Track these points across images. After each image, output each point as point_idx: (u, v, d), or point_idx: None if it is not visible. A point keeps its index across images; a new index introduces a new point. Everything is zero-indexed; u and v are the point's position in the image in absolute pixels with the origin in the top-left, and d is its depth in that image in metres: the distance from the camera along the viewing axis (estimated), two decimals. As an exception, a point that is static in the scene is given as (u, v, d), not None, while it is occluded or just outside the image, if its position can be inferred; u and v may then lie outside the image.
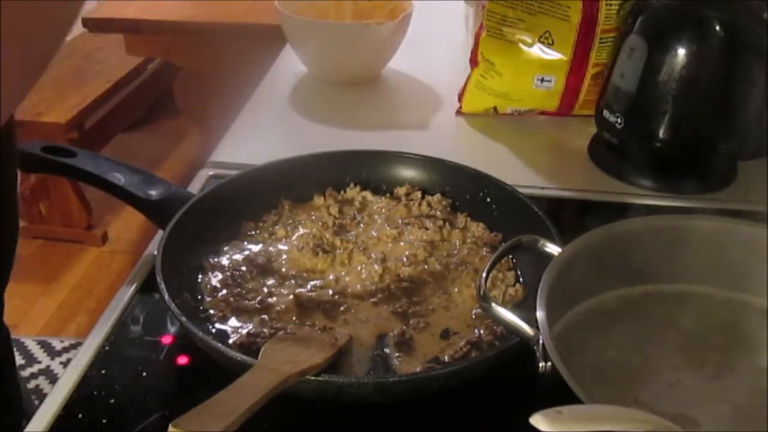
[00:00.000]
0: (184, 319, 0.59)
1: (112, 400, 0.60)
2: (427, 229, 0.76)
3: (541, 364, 0.49)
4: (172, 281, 0.64)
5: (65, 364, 1.98)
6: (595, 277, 0.60)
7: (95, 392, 0.61)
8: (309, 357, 0.57)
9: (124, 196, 0.74)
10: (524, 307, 0.65)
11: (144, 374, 0.62)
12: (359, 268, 0.71)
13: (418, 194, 0.81)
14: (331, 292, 0.68)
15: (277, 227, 0.76)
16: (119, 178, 0.74)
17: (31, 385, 1.92)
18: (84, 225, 2.44)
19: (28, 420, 0.58)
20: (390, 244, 0.75)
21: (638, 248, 0.61)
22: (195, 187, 0.86)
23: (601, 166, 0.93)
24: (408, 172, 0.82)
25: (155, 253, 0.66)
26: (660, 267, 0.61)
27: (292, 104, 1.07)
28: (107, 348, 0.65)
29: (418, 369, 0.61)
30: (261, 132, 1.00)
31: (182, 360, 0.64)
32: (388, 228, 0.76)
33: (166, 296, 0.61)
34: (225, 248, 0.73)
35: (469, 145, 1.00)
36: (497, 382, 0.60)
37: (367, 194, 0.81)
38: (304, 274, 0.70)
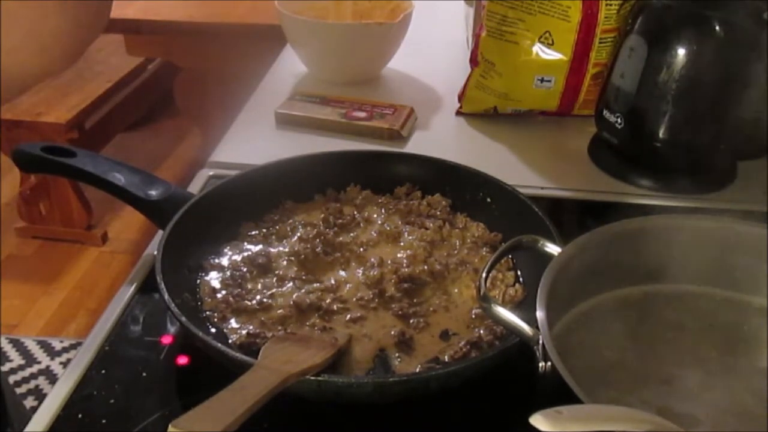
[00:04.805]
0: (184, 319, 0.59)
1: (112, 400, 0.60)
2: (427, 229, 0.76)
3: (541, 364, 0.49)
4: (172, 281, 0.64)
5: (65, 364, 1.98)
6: (595, 277, 0.60)
7: (95, 392, 0.61)
8: (309, 357, 0.57)
9: (124, 196, 0.74)
10: (524, 307, 0.65)
11: (144, 374, 0.62)
12: (359, 270, 0.71)
13: (418, 194, 0.81)
14: (331, 297, 0.68)
15: (277, 227, 0.76)
16: (119, 178, 0.74)
17: (31, 385, 1.92)
18: (84, 225, 2.44)
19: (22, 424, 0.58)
20: (390, 244, 0.75)
21: (638, 248, 0.61)
22: (195, 187, 0.86)
23: (601, 166, 0.93)
24: (408, 172, 0.82)
25: (155, 253, 0.66)
26: (660, 267, 0.61)
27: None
28: (107, 348, 0.65)
29: (417, 369, 0.61)
30: (261, 132, 1.00)
31: (182, 360, 0.64)
32: (388, 228, 0.76)
33: (166, 296, 0.61)
34: (225, 248, 0.73)
35: (469, 145, 1.00)
36: (497, 382, 0.60)
37: (367, 194, 0.81)
38: (304, 276, 0.70)
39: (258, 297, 0.67)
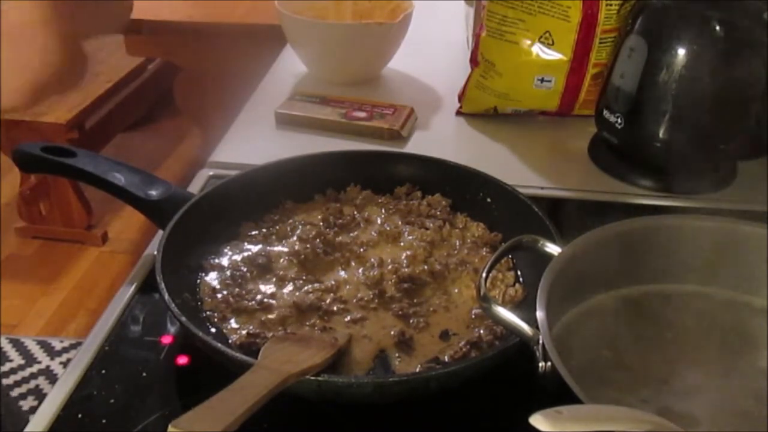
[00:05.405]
0: (184, 319, 0.59)
1: (112, 400, 0.60)
2: (427, 229, 0.76)
3: (541, 364, 0.49)
4: (172, 281, 0.64)
5: (65, 364, 1.98)
6: (594, 277, 0.60)
7: (95, 392, 0.61)
8: (309, 357, 0.57)
9: (124, 196, 0.74)
10: (524, 307, 0.65)
11: (144, 374, 0.62)
12: (359, 270, 0.71)
13: (418, 194, 0.81)
14: (331, 297, 0.68)
15: (277, 227, 0.76)
16: (119, 178, 0.74)
17: (31, 385, 1.92)
18: (84, 225, 2.44)
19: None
20: (390, 245, 0.75)
21: (638, 248, 0.61)
22: (195, 187, 0.86)
23: (601, 166, 0.93)
24: (408, 172, 0.82)
25: (155, 253, 0.66)
26: (660, 267, 0.61)
27: (292, 104, 1.07)
28: (107, 348, 0.65)
29: (417, 369, 0.61)
30: (261, 132, 1.00)
31: (182, 360, 0.64)
32: (388, 228, 0.76)
33: (166, 296, 0.61)
34: (225, 248, 0.73)
35: (469, 145, 1.00)
36: (497, 382, 0.60)
37: (367, 194, 0.81)
38: (304, 276, 0.70)
39: (258, 297, 0.67)
